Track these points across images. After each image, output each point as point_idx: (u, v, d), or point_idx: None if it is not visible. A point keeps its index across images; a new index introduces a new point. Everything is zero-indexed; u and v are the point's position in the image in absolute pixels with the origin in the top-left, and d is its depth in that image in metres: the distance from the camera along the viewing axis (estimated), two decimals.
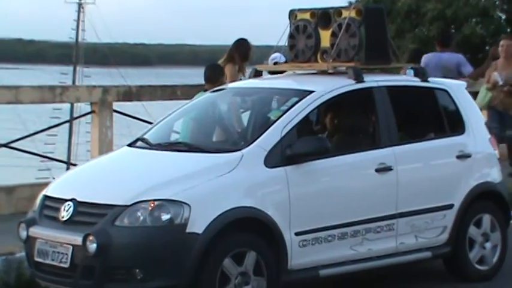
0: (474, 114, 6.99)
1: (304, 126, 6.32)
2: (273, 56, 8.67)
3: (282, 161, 5.80)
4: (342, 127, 6.68)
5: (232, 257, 5.51)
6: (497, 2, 19.76)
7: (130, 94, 10.01)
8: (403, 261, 6.39)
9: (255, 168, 5.72)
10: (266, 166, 5.75)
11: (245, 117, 7.03)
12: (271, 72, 7.70)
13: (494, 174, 6.93)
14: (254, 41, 9.07)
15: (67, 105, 24.63)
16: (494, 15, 19.36)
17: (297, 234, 5.77)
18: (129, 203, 5.44)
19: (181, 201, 5.40)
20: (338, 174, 6.07)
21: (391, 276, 6.83)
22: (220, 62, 8.72)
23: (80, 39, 38.37)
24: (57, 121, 15.41)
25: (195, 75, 10.02)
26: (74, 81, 35.29)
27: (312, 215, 5.85)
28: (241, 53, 8.81)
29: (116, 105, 9.98)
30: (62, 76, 35.57)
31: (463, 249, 6.65)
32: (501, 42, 10.50)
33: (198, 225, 5.38)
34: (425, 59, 10.10)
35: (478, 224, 6.76)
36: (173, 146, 6.26)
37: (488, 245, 6.79)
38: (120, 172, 6.03)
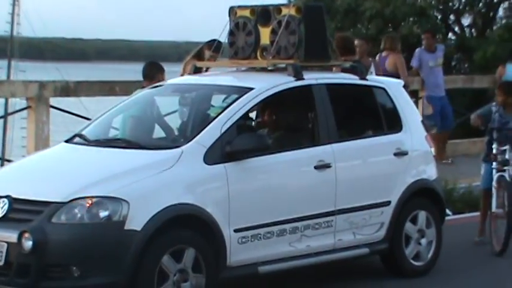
0: (411, 112, 7.10)
1: (243, 123, 6.32)
2: None
3: (222, 158, 5.79)
4: (281, 124, 6.70)
5: (171, 254, 5.48)
6: (433, 2, 20.09)
7: (67, 89, 9.88)
8: (342, 258, 6.45)
9: (195, 165, 5.70)
10: (206, 163, 5.73)
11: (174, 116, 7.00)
12: None
13: (430, 172, 7.05)
14: (193, 37, 8.99)
15: (1, 100, 24.17)
16: (431, 14, 19.68)
17: (236, 231, 5.77)
18: (66, 200, 5.36)
19: (119, 198, 5.35)
20: (277, 171, 6.09)
21: (329, 273, 6.89)
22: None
23: (15, 33, 37.65)
24: None
25: (134, 71, 9.94)
26: (8, 76, 34.58)
27: (251, 211, 5.86)
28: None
29: (53, 101, 9.84)
30: None
31: (400, 246, 6.75)
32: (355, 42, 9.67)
33: (136, 222, 5.34)
34: None
35: (414, 221, 6.87)
36: (112, 143, 6.19)
37: (423, 241, 6.91)
38: (57, 168, 5.94)
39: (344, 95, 6.74)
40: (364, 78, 6.89)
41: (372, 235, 6.58)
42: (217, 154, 5.78)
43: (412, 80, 11.34)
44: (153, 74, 7.76)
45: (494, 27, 20.39)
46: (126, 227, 5.32)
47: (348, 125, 6.69)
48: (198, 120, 6.36)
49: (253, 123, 6.93)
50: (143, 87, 7.55)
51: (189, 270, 5.56)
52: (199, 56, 8.75)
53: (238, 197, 5.78)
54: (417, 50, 11.86)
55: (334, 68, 7.05)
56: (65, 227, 5.31)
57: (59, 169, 5.92)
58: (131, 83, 9.87)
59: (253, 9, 6.78)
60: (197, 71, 7.13)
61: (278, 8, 6.68)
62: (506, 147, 7.87)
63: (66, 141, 6.33)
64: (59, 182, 5.60)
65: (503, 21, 20.14)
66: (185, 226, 5.58)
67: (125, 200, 5.35)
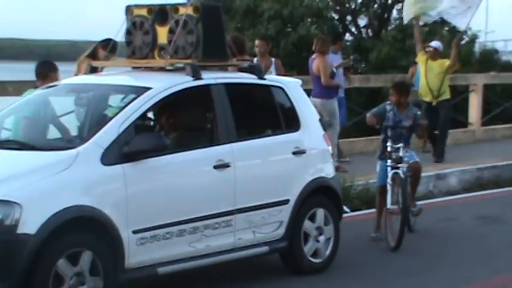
0: (308, 111, 7.19)
1: (141, 123, 6.25)
2: None
3: (120, 159, 5.70)
4: (180, 124, 6.66)
5: (67, 257, 5.36)
6: (330, 3, 20.46)
7: None
8: (241, 257, 6.47)
9: (91, 166, 5.59)
10: (103, 164, 5.64)
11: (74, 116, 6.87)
12: None
13: (327, 170, 7.16)
14: (91, 36, 8.84)
15: None
16: (328, 15, 20.04)
17: (134, 232, 5.69)
18: None
19: (11, 201, 5.19)
20: (176, 171, 6.05)
21: (229, 272, 6.90)
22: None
23: None
24: None
25: (28, 71, 9.68)
26: None
27: (150, 212, 5.80)
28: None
29: None
30: None
31: (298, 243, 6.82)
32: (256, 42, 10.27)
33: (30, 225, 5.19)
34: None
35: (312, 218, 6.97)
36: (3, 144, 6.01)
37: (322, 238, 7.02)
38: None
39: (243, 95, 6.76)
40: (262, 78, 6.94)
41: (271, 233, 6.63)
42: (115, 155, 5.69)
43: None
44: (46, 73, 7.59)
45: (389, 28, 20.95)
46: (18, 231, 5.16)
47: (247, 125, 6.72)
48: (95, 121, 6.24)
49: (151, 123, 6.87)
50: (36, 86, 7.37)
51: (86, 273, 5.45)
52: (93, 55, 8.61)
53: (136, 198, 5.71)
54: None
55: (230, 68, 7.06)
56: None
57: None
58: (24, 82, 9.58)
59: (150, 8, 6.72)
60: (93, 70, 7.00)
61: (175, 7, 6.64)
62: (400, 145, 8.09)
63: None
64: None
65: (397, 22, 20.72)
66: (82, 228, 5.47)
67: (17, 203, 5.19)
